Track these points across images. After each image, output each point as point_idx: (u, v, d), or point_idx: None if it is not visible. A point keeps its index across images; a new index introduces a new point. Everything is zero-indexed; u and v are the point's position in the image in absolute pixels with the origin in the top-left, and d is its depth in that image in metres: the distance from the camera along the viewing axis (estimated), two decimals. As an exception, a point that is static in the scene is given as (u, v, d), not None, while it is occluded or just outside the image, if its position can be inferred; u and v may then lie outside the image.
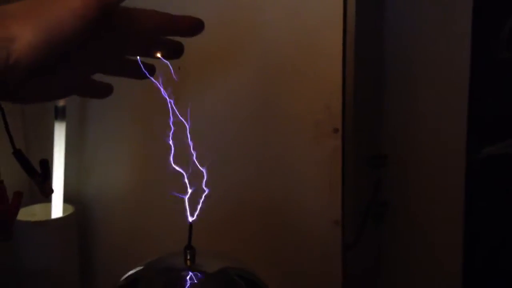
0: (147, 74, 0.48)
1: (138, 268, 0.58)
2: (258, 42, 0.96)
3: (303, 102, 0.97)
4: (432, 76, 1.31)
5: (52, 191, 1.07)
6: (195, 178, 0.55)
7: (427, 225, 1.35)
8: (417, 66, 1.31)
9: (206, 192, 0.55)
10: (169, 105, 0.51)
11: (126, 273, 0.58)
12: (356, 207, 1.06)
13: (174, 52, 0.49)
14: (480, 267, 1.33)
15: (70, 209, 1.15)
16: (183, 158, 0.53)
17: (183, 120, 0.53)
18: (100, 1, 0.36)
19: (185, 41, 0.50)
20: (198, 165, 0.54)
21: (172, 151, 0.54)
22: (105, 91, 0.50)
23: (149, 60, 0.49)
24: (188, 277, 0.52)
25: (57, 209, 1.13)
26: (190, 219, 0.53)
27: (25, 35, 0.34)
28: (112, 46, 0.45)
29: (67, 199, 1.16)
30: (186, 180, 0.53)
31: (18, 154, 0.98)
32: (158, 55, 0.47)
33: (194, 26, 0.45)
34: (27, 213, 1.14)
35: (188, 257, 0.53)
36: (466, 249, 1.33)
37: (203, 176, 0.56)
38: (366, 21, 1.05)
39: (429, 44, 1.28)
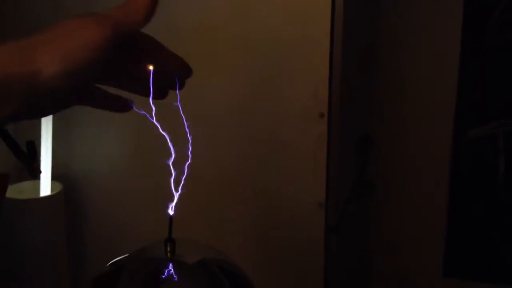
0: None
1: (123, 256, 0.59)
2: (246, 30, 0.96)
3: (290, 88, 0.97)
4: (421, 60, 1.31)
5: (40, 172, 1.07)
6: (181, 159, 0.56)
7: (413, 205, 1.38)
8: (406, 50, 1.31)
9: (186, 171, 0.55)
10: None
11: (113, 250, 0.59)
12: (341, 190, 1.07)
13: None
14: (464, 247, 1.36)
15: (58, 186, 1.16)
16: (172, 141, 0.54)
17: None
18: (116, 31, 0.38)
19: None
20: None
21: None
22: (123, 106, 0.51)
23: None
24: (167, 269, 0.53)
25: (45, 187, 1.14)
26: (171, 212, 0.54)
27: (47, 68, 0.36)
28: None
29: (55, 177, 1.17)
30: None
31: (4, 135, 0.99)
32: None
33: (182, 69, 0.48)
34: (16, 190, 1.14)
35: (169, 249, 0.55)
36: (451, 228, 1.36)
37: (188, 158, 0.57)
38: (355, 7, 1.05)
39: (419, 30, 1.28)
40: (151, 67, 0.47)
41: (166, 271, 0.54)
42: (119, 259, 0.59)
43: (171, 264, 0.55)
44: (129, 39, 0.41)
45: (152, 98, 0.48)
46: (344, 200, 1.16)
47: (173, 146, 0.55)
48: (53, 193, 1.14)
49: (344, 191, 1.17)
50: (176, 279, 0.54)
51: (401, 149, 1.38)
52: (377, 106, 1.37)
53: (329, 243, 1.01)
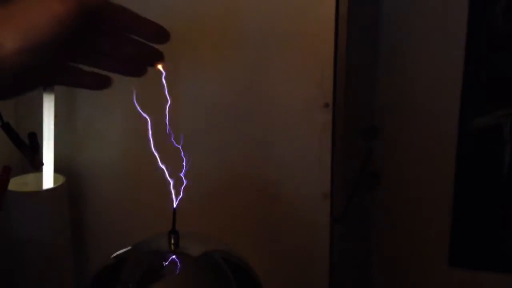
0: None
1: (126, 249, 0.58)
2: (250, 18, 0.95)
3: (295, 78, 0.96)
4: (426, 47, 1.29)
5: (42, 163, 1.07)
6: (184, 150, 0.55)
7: (418, 195, 1.37)
8: (411, 37, 1.29)
9: (185, 168, 0.55)
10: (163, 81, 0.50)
11: (116, 243, 0.59)
12: (346, 180, 1.07)
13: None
14: (470, 237, 1.35)
15: (61, 179, 1.15)
16: (175, 134, 0.53)
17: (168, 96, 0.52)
18: (81, 5, 0.37)
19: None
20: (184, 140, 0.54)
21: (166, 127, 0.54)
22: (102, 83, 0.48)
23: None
24: (171, 261, 0.53)
25: (48, 179, 1.13)
26: (175, 204, 0.53)
27: (7, 43, 0.35)
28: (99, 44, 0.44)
29: (58, 169, 1.16)
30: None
31: (6, 127, 0.98)
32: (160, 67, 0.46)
33: (159, 34, 0.44)
34: (19, 183, 1.14)
35: (172, 241, 0.54)
36: (456, 218, 1.35)
37: (191, 150, 0.56)
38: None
39: (425, 17, 1.26)
40: (160, 67, 0.46)
41: (170, 264, 0.53)
42: (122, 252, 0.58)
43: (174, 256, 0.54)
44: (97, 13, 0.39)
45: (131, 75, 0.46)
46: (349, 190, 1.15)
47: (176, 139, 0.55)
48: (55, 185, 1.13)
49: (349, 182, 1.16)
50: (180, 272, 0.53)
51: (406, 139, 1.37)
52: (381, 96, 1.35)
53: (334, 234, 1.00)
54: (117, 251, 0.60)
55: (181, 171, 0.55)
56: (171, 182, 0.54)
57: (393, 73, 1.32)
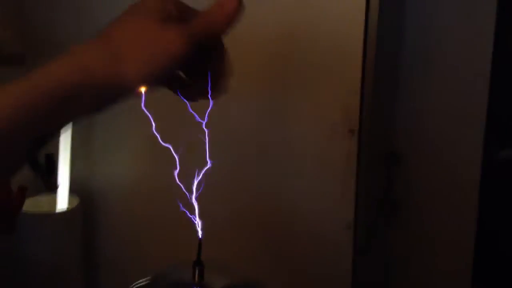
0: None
1: (145, 280, 0.55)
2: (276, 39, 0.93)
3: (320, 102, 0.93)
4: (451, 73, 1.26)
5: (57, 186, 1.05)
6: (206, 176, 0.52)
7: (440, 227, 1.32)
8: (435, 62, 1.26)
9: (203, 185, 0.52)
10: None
11: (130, 269, 0.56)
12: (368, 209, 1.03)
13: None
14: (491, 272, 1.30)
15: (76, 200, 1.13)
16: (194, 157, 0.50)
17: (197, 117, 0.52)
18: (192, 42, 0.43)
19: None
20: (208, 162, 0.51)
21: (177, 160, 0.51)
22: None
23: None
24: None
25: (62, 201, 1.10)
26: (200, 234, 0.50)
27: (129, 75, 0.42)
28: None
29: (73, 190, 1.13)
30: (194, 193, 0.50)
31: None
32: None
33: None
34: (33, 204, 1.11)
35: (197, 273, 0.51)
36: (478, 252, 1.30)
37: (214, 175, 0.53)
38: (387, 16, 1.01)
39: (449, 44, 1.24)
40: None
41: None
42: (142, 284, 0.55)
43: (199, 290, 0.51)
44: (206, 46, 0.45)
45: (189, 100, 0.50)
46: (370, 220, 1.12)
47: (196, 166, 0.52)
48: (70, 207, 1.11)
49: (370, 210, 1.13)
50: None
51: (428, 168, 1.33)
52: (402, 122, 1.32)
53: (357, 264, 0.96)
54: (134, 281, 0.57)
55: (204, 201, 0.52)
56: (196, 209, 0.51)
57: (415, 97, 1.29)
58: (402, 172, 1.32)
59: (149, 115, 0.50)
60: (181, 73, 0.50)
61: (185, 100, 0.50)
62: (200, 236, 0.50)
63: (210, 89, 0.49)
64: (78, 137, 1.11)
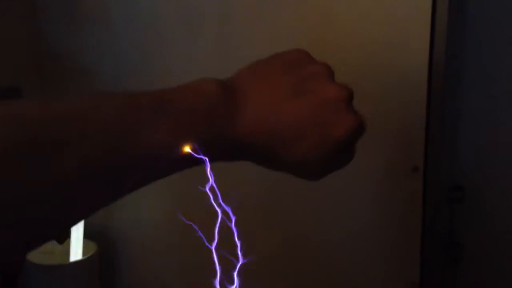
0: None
1: None
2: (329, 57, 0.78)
3: (376, 134, 0.77)
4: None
5: (67, 236, 0.92)
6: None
7: (510, 270, 1.14)
8: (498, 84, 1.10)
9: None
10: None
11: None
12: (436, 265, 0.86)
13: None
14: None
15: (93, 248, 0.99)
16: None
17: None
18: (359, 131, 0.39)
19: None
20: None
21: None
22: None
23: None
24: None
25: (76, 250, 0.97)
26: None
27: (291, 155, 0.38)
28: None
29: (89, 236, 1.00)
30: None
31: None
32: None
33: None
34: (43, 252, 0.98)
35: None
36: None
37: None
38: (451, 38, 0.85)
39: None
40: None
41: None
42: None
43: None
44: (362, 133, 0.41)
45: None
46: (433, 271, 0.94)
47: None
48: (85, 257, 0.97)
49: (433, 258, 0.95)
50: None
51: (494, 204, 1.15)
52: (464, 150, 1.14)
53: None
54: None
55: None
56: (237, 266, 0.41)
57: (480, 122, 1.12)
58: (466, 209, 1.14)
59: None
60: None
61: None
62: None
63: None
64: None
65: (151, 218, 1.01)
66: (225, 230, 0.42)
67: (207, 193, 0.43)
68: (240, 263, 0.43)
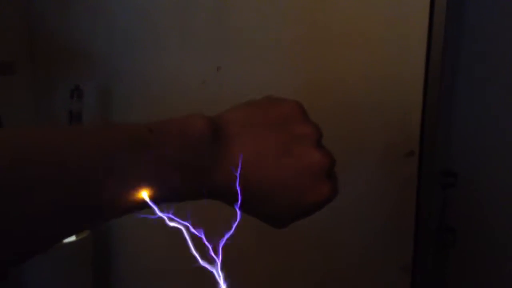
0: None
1: None
2: (330, 47, 0.77)
3: (373, 119, 0.77)
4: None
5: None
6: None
7: (499, 257, 1.15)
8: (493, 71, 1.10)
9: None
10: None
11: None
12: (427, 247, 0.86)
13: None
14: None
15: (85, 231, 0.99)
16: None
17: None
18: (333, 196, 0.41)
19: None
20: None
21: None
22: None
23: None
24: None
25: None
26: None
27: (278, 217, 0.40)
28: None
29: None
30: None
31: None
32: None
33: None
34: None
35: None
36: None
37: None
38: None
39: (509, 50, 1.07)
40: None
41: None
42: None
43: None
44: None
45: None
46: (425, 255, 0.95)
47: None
48: (78, 238, 0.97)
49: (424, 243, 0.96)
50: None
51: (486, 188, 1.15)
52: (457, 136, 1.15)
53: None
54: None
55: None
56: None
57: (474, 109, 1.12)
58: (458, 194, 1.15)
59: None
60: None
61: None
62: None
63: None
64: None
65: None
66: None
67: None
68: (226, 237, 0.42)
